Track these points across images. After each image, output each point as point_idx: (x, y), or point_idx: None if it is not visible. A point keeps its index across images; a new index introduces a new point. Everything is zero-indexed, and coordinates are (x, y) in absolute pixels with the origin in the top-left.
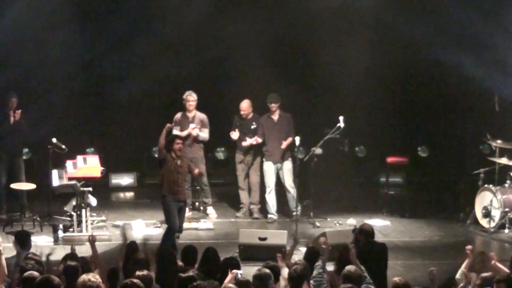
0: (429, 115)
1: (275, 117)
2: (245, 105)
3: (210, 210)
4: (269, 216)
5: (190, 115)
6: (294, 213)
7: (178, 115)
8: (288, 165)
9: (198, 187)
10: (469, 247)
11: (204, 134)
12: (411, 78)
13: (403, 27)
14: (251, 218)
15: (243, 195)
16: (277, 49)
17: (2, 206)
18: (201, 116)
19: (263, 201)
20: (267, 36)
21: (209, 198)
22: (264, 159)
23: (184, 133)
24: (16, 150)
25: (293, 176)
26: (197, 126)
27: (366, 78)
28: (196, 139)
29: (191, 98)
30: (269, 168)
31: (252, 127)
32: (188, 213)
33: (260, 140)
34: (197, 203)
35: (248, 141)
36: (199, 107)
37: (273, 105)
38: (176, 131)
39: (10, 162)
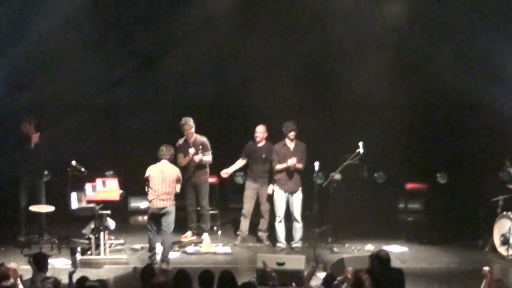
0: (449, 142)
1: (291, 145)
2: (262, 129)
3: (205, 236)
4: (278, 244)
5: (190, 140)
6: (296, 245)
7: (180, 141)
8: (298, 196)
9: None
10: (486, 268)
11: (207, 158)
12: (431, 104)
13: (423, 51)
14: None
15: (244, 223)
16: (298, 74)
17: (21, 229)
18: (201, 139)
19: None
20: (288, 60)
21: (207, 224)
22: (276, 188)
23: (186, 160)
24: (36, 173)
25: (301, 208)
26: (195, 153)
27: (385, 104)
28: (199, 164)
29: (187, 126)
30: (280, 197)
31: (263, 156)
32: (192, 237)
33: (294, 162)
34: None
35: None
36: (220, 131)
37: (293, 133)
38: (179, 158)
39: (30, 185)
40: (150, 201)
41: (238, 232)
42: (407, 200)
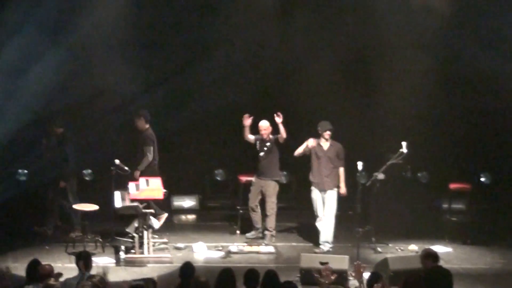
0: (493, 142)
1: (326, 145)
2: (266, 125)
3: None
4: (320, 246)
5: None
6: (322, 247)
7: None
8: (332, 195)
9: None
10: None
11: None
12: (476, 104)
13: (470, 52)
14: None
15: (256, 217)
16: (341, 73)
17: (73, 225)
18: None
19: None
20: (331, 58)
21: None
22: (312, 188)
23: None
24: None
25: (335, 208)
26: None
27: (430, 103)
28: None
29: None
30: (317, 196)
31: (265, 147)
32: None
33: (314, 145)
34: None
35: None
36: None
37: (328, 133)
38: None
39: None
40: None
41: (257, 226)
42: (451, 200)
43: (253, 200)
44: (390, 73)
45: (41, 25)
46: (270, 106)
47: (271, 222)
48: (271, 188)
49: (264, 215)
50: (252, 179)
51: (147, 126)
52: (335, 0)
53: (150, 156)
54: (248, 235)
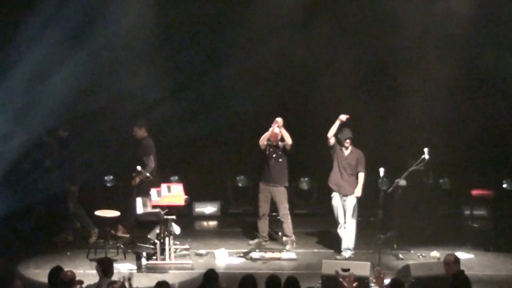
0: None
1: (346, 151)
2: (276, 132)
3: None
4: (342, 253)
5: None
6: (344, 254)
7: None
8: (351, 200)
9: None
10: None
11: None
12: (498, 110)
13: (492, 57)
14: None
15: (263, 226)
16: (363, 78)
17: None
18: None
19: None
20: (353, 64)
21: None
22: (333, 194)
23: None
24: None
25: (355, 214)
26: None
27: (452, 109)
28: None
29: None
30: (337, 203)
31: (275, 154)
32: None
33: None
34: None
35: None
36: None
37: (348, 141)
38: None
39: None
40: None
41: (262, 234)
42: (473, 206)
43: (265, 208)
44: (412, 79)
45: (63, 30)
46: (292, 113)
47: (288, 228)
48: (281, 194)
49: (280, 222)
50: (260, 186)
51: (146, 134)
52: (356, 7)
53: (152, 164)
54: (251, 242)
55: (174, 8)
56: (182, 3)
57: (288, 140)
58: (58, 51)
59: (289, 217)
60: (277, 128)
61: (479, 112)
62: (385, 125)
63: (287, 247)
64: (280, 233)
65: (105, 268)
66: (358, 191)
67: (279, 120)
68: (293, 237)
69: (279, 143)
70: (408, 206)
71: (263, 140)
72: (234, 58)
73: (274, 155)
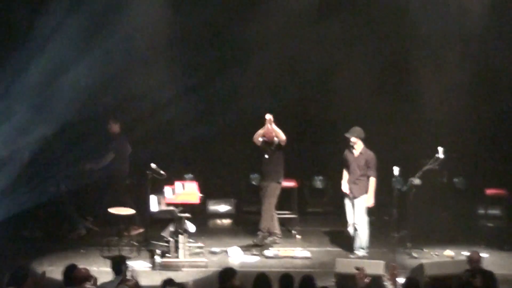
0: None
1: (356, 152)
2: (270, 128)
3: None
4: (355, 252)
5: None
6: (357, 253)
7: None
8: (360, 202)
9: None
10: None
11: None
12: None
13: (507, 56)
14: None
15: (265, 222)
16: (378, 77)
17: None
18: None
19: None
20: (367, 65)
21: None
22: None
23: None
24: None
25: (363, 215)
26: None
27: (466, 108)
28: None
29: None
30: (347, 202)
31: (269, 150)
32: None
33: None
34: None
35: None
36: (296, 135)
37: (352, 139)
38: None
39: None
40: None
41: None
42: (487, 205)
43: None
44: (427, 78)
45: (78, 29)
46: (306, 111)
47: (263, 222)
48: (270, 189)
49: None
50: (259, 183)
51: (119, 131)
52: (371, 7)
53: (105, 161)
54: (256, 240)
55: (188, 8)
56: (196, 3)
57: (281, 137)
58: (72, 50)
59: (269, 213)
60: (269, 125)
61: (494, 112)
62: (400, 124)
63: (256, 241)
64: (293, 231)
65: (118, 265)
66: (370, 200)
67: (268, 117)
68: (266, 233)
69: (274, 139)
70: (422, 205)
71: (256, 137)
72: (249, 57)
73: (268, 152)
